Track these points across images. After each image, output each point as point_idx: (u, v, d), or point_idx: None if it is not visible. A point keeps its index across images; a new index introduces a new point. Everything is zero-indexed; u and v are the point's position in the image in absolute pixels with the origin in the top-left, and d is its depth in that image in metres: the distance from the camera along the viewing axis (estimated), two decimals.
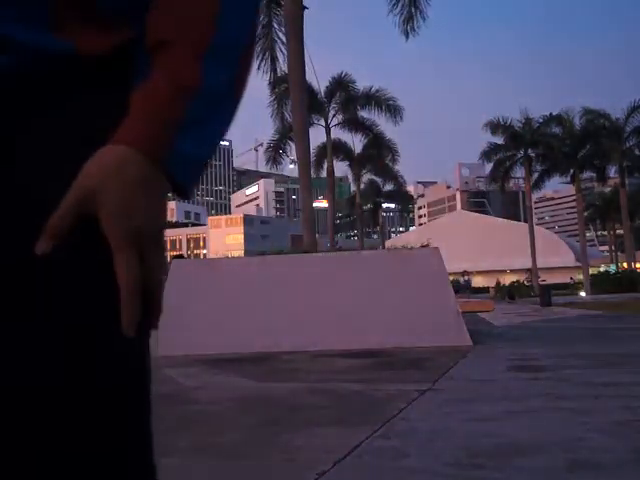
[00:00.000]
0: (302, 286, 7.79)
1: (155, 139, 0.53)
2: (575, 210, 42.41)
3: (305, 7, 12.56)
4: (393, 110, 26.07)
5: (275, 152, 26.67)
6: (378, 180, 36.97)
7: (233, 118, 0.60)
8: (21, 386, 0.50)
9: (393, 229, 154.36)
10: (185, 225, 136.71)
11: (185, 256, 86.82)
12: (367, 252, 10.69)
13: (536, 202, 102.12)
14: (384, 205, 45.37)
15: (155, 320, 0.56)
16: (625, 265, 40.77)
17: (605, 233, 70.55)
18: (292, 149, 19.75)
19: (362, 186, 35.99)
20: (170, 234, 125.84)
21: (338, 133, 28.89)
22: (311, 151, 15.51)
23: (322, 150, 28.40)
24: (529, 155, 35.10)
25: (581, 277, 37.03)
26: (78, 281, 0.53)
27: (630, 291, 29.25)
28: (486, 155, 35.77)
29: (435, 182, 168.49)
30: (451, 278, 8.96)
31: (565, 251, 65.50)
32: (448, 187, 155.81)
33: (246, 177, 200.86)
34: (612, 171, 35.96)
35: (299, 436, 2.86)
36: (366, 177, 35.99)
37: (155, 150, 0.53)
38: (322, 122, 26.64)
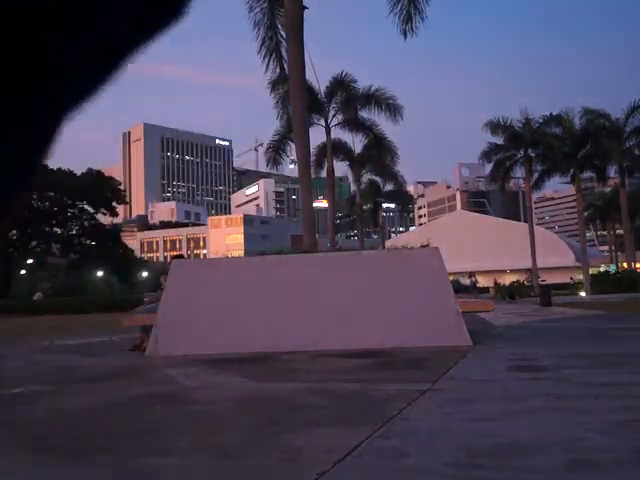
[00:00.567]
0: (302, 286, 7.79)
1: None
2: (575, 210, 42.40)
3: (305, 7, 12.57)
4: (393, 109, 26.09)
5: (275, 153, 26.69)
6: (378, 180, 36.98)
7: None
8: None
9: (393, 229, 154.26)
10: (185, 225, 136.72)
11: (185, 256, 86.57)
12: (367, 252, 10.69)
13: (536, 202, 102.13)
14: (384, 205, 45.34)
15: None
16: (625, 265, 40.77)
17: (605, 233, 70.57)
18: (292, 149, 19.76)
19: (362, 186, 35.98)
20: (170, 234, 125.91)
21: (338, 133, 28.87)
22: (311, 151, 15.53)
23: (322, 150, 28.40)
24: (529, 155, 35.10)
25: (581, 277, 37.01)
26: None
27: (630, 291, 29.26)
28: (486, 155, 35.79)
29: (435, 182, 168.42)
30: (451, 278, 8.96)
31: (565, 251, 65.52)
32: (448, 187, 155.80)
33: (246, 177, 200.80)
34: (612, 171, 35.97)
35: (299, 436, 2.86)
36: (366, 177, 35.99)
37: None
38: (322, 122, 26.65)
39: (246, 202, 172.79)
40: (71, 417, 3.80)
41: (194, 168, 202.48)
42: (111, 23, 0.54)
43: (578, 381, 4.29)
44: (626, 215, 34.84)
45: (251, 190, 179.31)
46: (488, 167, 38.00)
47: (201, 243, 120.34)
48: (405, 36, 13.37)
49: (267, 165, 28.13)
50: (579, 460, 2.27)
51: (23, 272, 49.57)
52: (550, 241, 65.22)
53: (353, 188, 42.76)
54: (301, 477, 2.23)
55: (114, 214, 54.78)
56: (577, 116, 33.50)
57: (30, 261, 49.78)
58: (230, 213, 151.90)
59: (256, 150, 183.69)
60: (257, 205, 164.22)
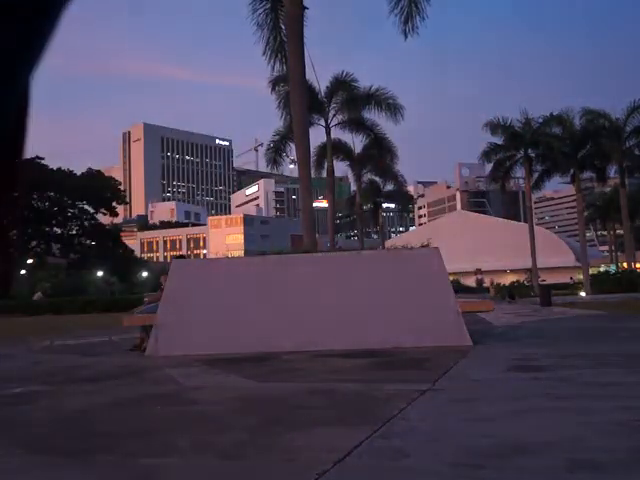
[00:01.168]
0: (302, 286, 7.79)
1: None
2: (575, 210, 42.39)
3: (305, 7, 12.57)
4: (393, 109, 26.06)
5: (275, 153, 26.68)
6: (378, 180, 36.96)
7: None
8: None
9: (393, 229, 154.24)
10: (185, 225, 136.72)
11: (186, 256, 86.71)
12: (367, 252, 10.68)
13: (536, 202, 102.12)
14: (384, 205, 45.30)
15: None
16: (625, 265, 40.75)
17: (605, 233, 70.54)
18: (292, 149, 19.75)
19: (362, 186, 35.96)
20: (170, 234, 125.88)
21: (338, 133, 28.81)
22: (311, 151, 15.52)
23: (322, 150, 28.37)
24: (529, 155, 35.06)
25: (581, 277, 36.98)
26: None
27: (630, 291, 29.22)
28: (486, 155, 35.74)
29: (435, 182, 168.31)
30: (451, 278, 8.95)
31: (565, 251, 65.49)
32: (448, 187, 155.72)
33: (246, 177, 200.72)
34: (612, 171, 35.94)
35: (299, 436, 2.86)
36: (366, 177, 35.97)
37: None
38: (322, 122, 26.63)
39: (246, 202, 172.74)
40: (71, 417, 3.80)
41: (194, 168, 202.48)
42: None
43: (578, 381, 4.29)
44: (626, 215, 34.82)
45: (251, 190, 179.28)
46: (488, 167, 37.96)
47: (201, 243, 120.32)
48: (406, 36, 13.35)
49: (267, 165, 28.12)
50: (579, 460, 2.27)
51: (23, 272, 49.56)
52: (550, 241, 65.21)
53: (353, 188, 42.75)
54: (301, 477, 2.23)
55: (114, 214, 54.80)
56: (577, 116, 33.51)
57: (30, 261, 49.77)
58: (230, 213, 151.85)
59: (256, 150, 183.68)
60: (257, 205, 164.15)
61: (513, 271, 52.31)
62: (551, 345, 7.15)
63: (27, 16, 0.54)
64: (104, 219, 55.86)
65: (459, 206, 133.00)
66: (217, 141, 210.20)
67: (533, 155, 35.27)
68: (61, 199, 50.49)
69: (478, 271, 32.25)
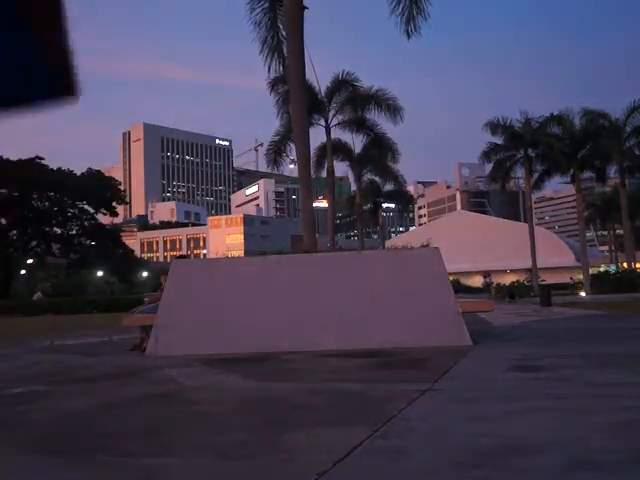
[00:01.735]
0: (302, 286, 7.79)
1: None
2: (575, 210, 42.36)
3: (305, 7, 12.56)
4: (393, 110, 26.06)
5: (275, 153, 26.67)
6: (378, 180, 36.94)
7: None
8: None
9: (393, 229, 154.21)
10: (185, 225, 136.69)
11: (187, 256, 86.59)
12: (367, 252, 10.68)
13: (536, 202, 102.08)
14: (384, 205, 45.28)
15: None
16: (625, 265, 40.74)
17: (605, 233, 70.53)
18: (292, 149, 19.73)
19: (362, 186, 35.95)
20: (170, 234, 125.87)
21: (338, 133, 28.79)
22: (311, 151, 15.50)
23: (322, 150, 28.36)
24: (529, 155, 35.05)
25: (581, 277, 36.95)
26: None
27: (630, 291, 29.21)
28: (486, 155, 35.72)
29: (435, 182, 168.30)
30: (451, 278, 8.95)
31: (565, 251, 65.45)
32: (448, 187, 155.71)
33: (246, 177, 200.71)
34: (612, 171, 35.93)
35: (299, 436, 2.86)
36: (366, 177, 35.95)
37: None
38: (322, 122, 26.62)
39: (246, 202, 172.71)
40: (71, 417, 3.80)
41: (194, 168, 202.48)
42: None
43: (578, 381, 4.29)
44: (626, 215, 34.81)
45: (251, 190, 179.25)
46: (488, 167, 37.95)
47: (201, 243, 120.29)
48: (408, 36, 13.27)
49: (267, 165, 28.11)
50: (579, 460, 2.27)
51: (23, 272, 49.56)
52: (550, 241, 65.17)
53: (353, 188, 42.73)
54: (301, 477, 2.23)
55: (114, 214, 54.76)
56: (577, 116, 33.50)
57: (30, 261, 49.75)
58: (230, 213, 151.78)
59: (256, 150, 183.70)
60: (257, 205, 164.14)
61: (513, 271, 52.27)
62: (551, 345, 7.15)
63: None
64: (104, 219, 55.82)
65: (459, 206, 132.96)
66: (217, 141, 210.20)
67: (533, 155, 35.26)
68: (61, 199, 50.45)
69: (487, 274, 32.57)
